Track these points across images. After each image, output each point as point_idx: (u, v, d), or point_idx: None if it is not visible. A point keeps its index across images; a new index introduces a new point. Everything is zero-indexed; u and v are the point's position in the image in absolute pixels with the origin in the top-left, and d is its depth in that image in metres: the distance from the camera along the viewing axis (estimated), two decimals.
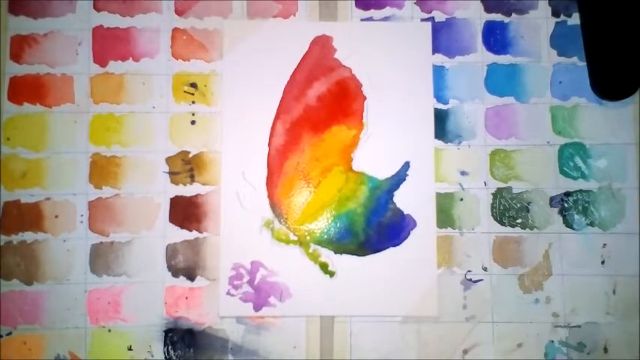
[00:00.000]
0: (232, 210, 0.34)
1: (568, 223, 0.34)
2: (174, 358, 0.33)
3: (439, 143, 0.35)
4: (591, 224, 0.35)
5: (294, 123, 0.34)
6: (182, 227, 0.34)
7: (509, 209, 0.34)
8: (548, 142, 0.35)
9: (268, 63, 0.35)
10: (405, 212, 0.34)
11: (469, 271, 0.34)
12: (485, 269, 0.34)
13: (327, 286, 0.33)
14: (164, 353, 0.33)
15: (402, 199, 0.34)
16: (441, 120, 0.35)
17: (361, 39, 0.35)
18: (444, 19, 0.36)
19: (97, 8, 0.35)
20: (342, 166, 0.34)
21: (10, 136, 0.34)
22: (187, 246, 0.34)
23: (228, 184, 0.34)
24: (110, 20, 0.35)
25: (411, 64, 0.35)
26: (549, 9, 0.36)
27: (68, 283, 0.33)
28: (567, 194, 0.35)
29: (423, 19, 0.36)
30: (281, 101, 0.34)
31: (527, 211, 0.34)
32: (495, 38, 0.36)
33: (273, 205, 0.34)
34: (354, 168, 0.34)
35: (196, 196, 0.34)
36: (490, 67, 0.35)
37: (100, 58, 0.35)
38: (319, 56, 0.35)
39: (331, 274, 0.33)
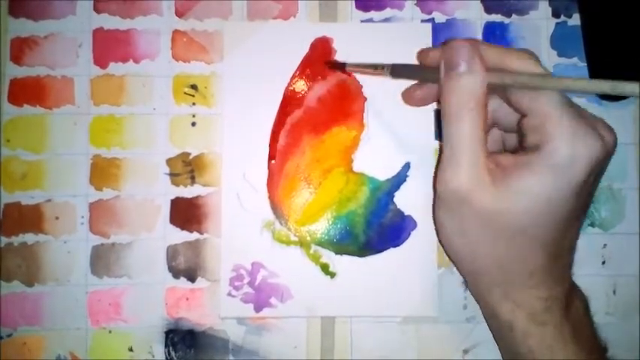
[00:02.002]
0: (233, 211, 0.34)
1: None
2: (175, 358, 0.33)
3: (439, 144, 0.35)
4: (591, 224, 0.35)
5: (294, 124, 0.34)
6: (183, 229, 0.34)
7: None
8: None
9: (268, 64, 0.35)
10: (406, 213, 0.34)
11: None
12: None
13: (327, 287, 0.33)
14: (165, 354, 0.33)
15: (403, 200, 0.34)
16: (441, 120, 0.35)
17: (361, 40, 0.35)
18: (444, 20, 0.36)
19: (97, 10, 0.35)
20: (343, 168, 0.34)
21: (11, 137, 0.34)
22: (188, 247, 0.34)
23: (228, 185, 0.34)
24: (110, 22, 0.35)
25: None
26: (549, 10, 0.36)
27: (69, 285, 0.33)
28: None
29: (423, 20, 0.36)
30: (281, 102, 0.34)
31: None
32: (495, 39, 0.36)
33: (274, 207, 0.34)
34: (355, 169, 0.34)
35: (197, 197, 0.34)
36: None
37: (101, 60, 0.35)
38: (319, 57, 0.35)
39: (332, 275, 0.33)
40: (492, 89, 0.27)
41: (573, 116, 0.25)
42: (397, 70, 0.31)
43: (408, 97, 0.33)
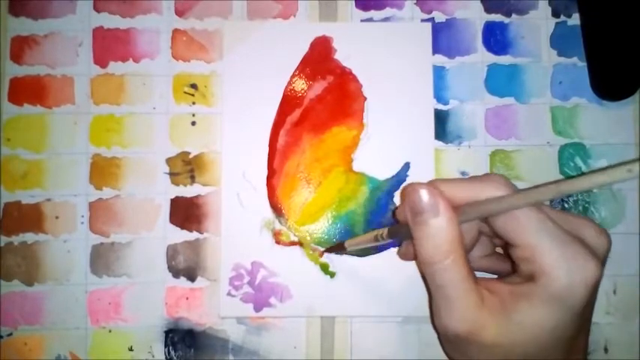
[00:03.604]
0: (233, 210, 0.34)
1: None
2: (174, 358, 0.33)
3: (439, 144, 0.35)
4: None
5: (294, 124, 0.34)
6: (182, 228, 0.34)
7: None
8: (549, 143, 0.35)
9: (268, 63, 0.35)
10: None
11: None
12: None
13: (327, 287, 0.33)
14: (165, 354, 0.33)
15: None
16: (441, 120, 0.35)
17: (361, 40, 0.35)
18: (444, 20, 0.36)
19: (97, 9, 0.35)
20: (343, 167, 0.34)
21: (11, 137, 0.34)
22: (188, 247, 0.34)
23: (228, 184, 0.34)
24: (110, 21, 0.35)
25: (411, 65, 0.35)
26: (549, 9, 0.36)
27: (69, 284, 0.33)
28: (568, 194, 0.35)
29: (423, 20, 0.36)
30: (281, 102, 0.34)
31: None
32: (495, 39, 0.36)
33: (274, 206, 0.34)
34: (355, 169, 0.34)
35: (197, 196, 0.34)
36: (490, 67, 0.35)
37: (101, 59, 0.35)
38: (319, 57, 0.35)
39: (332, 274, 0.33)
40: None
41: (561, 241, 0.24)
42: (393, 232, 0.29)
43: (403, 254, 0.32)
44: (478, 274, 0.29)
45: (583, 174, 0.22)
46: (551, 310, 0.24)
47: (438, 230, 0.25)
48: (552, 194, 0.23)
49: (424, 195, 0.25)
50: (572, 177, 0.22)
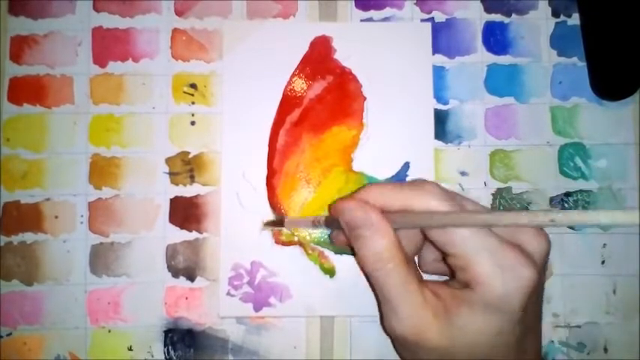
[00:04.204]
0: (232, 210, 0.34)
1: None
2: (174, 358, 0.33)
3: (439, 144, 0.35)
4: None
5: (294, 123, 0.34)
6: (182, 228, 0.34)
7: (509, 210, 0.34)
8: (548, 143, 0.35)
9: (268, 63, 0.35)
10: None
11: None
12: None
13: (327, 287, 0.33)
14: (164, 353, 0.33)
15: None
16: (441, 120, 0.35)
17: (361, 39, 0.35)
18: (443, 20, 0.36)
19: (96, 9, 0.35)
20: (342, 167, 0.34)
21: (10, 136, 0.34)
22: (187, 246, 0.34)
23: (228, 184, 0.34)
24: (110, 21, 0.35)
25: (411, 65, 0.35)
26: (549, 9, 0.36)
27: (68, 284, 0.33)
28: (567, 194, 0.35)
29: (422, 20, 0.36)
30: (281, 102, 0.34)
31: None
32: (495, 39, 0.36)
33: (274, 206, 0.34)
34: (354, 168, 0.34)
35: (196, 196, 0.34)
36: (490, 67, 0.35)
37: (100, 59, 0.35)
38: (319, 57, 0.35)
39: (331, 274, 0.33)
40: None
41: (495, 249, 0.24)
42: (329, 221, 0.30)
43: (334, 238, 0.32)
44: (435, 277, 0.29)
45: (512, 210, 0.22)
46: (490, 318, 0.24)
47: (374, 241, 0.26)
48: (479, 223, 0.24)
49: (355, 212, 0.26)
50: (502, 211, 0.23)
